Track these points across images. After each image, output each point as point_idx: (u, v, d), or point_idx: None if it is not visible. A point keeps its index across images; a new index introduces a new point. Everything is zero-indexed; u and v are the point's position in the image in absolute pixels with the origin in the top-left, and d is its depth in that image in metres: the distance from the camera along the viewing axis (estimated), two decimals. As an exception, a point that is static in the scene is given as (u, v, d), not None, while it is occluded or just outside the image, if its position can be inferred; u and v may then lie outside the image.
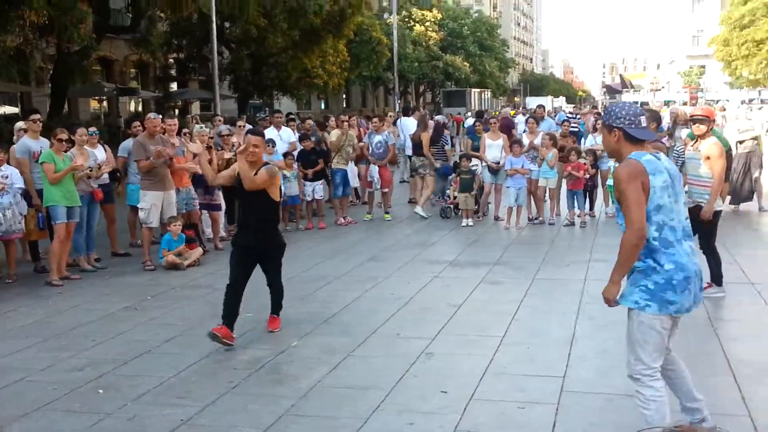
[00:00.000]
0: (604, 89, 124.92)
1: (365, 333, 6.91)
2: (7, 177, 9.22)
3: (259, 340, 6.88)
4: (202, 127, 12.33)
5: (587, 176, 12.70)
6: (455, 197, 13.40)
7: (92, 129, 10.92)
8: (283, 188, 12.36)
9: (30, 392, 5.70)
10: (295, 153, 13.20)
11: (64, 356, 6.51)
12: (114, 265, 10.38)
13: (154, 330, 7.27)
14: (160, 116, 10.74)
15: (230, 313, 6.73)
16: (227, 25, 29.35)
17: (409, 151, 16.56)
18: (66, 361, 6.39)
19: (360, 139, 14.77)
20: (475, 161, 13.58)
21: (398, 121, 18.34)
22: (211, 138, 11.92)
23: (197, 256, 10.18)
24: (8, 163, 9.50)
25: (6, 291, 8.99)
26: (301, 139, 13.60)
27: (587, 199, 13.02)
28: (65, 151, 9.44)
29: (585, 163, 12.66)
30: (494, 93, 67.03)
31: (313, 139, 13.52)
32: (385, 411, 5.16)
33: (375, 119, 14.98)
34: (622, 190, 3.94)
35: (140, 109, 33.79)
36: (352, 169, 13.49)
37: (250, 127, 11.61)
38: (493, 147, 13.35)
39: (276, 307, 7.23)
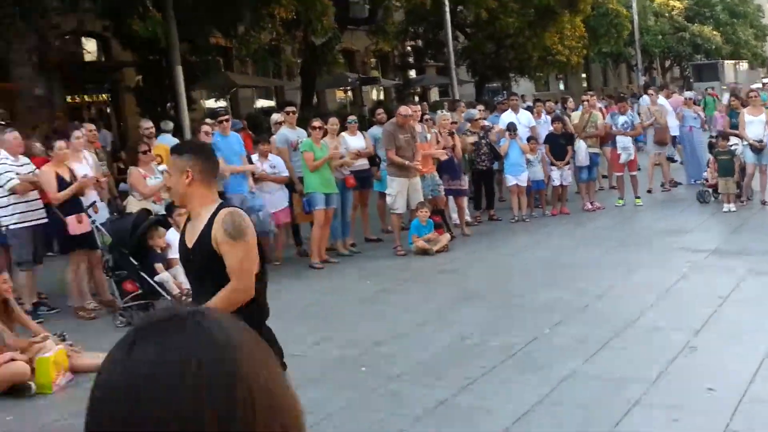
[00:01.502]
0: None
1: (621, 323, 6.68)
2: (274, 166, 9.97)
3: (511, 327, 6.89)
4: (443, 113, 12.53)
5: None
6: (715, 180, 12.39)
7: (352, 117, 11.49)
8: (527, 173, 12.24)
9: (298, 367, 6.08)
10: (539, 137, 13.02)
11: (328, 334, 6.94)
12: (367, 249, 10.84)
13: (409, 313, 7.54)
14: (410, 109, 10.95)
15: None
16: (459, 9, 29.56)
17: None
18: (330, 339, 6.82)
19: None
20: (734, 140, 12.56)
21: (640, 100, 17.44)
22: (454, 123, 12.09)
23: (446, 241, 10.38)
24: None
25: (273, 273, 9.68)
26: (552, 122, 13.33)
27: None
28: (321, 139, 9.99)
29: None
30: (751, 63, 61.63)
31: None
32: (646, 405, 4.97)
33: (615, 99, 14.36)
34: None
35: (381, 97, 35.04)
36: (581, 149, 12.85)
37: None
38: (755, 123, 12.26)
39: None
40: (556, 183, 12.79)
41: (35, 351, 5.92)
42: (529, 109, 14.77)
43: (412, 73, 36.51)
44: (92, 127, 9.90)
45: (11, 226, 7.90)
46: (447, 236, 10.53)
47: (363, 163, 10.96)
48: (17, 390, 5.78)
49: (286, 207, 10.16)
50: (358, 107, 30.25)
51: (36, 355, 5.87)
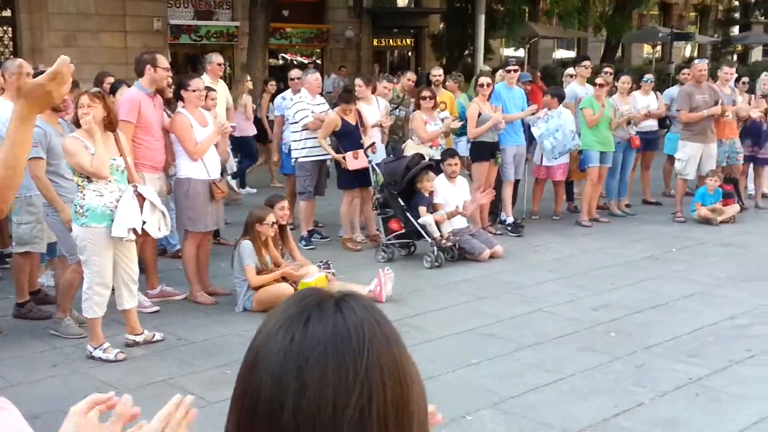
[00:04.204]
0: None
1: None
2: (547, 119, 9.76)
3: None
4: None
5: None
6: None
7: (648, 76, 10.95)
8: None
9: (545, 324, 6.02)
10: None
11: (582, 294, 6.71)
12: (643, 212, 10.30)
13: (674, 283, 7.04)
14: (706, 62, 10.15)
15: None
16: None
17: None
18: (583, 299, 6.59)
19: None
20: None
21: None
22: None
23: (733, 213, 9.51)
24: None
25: (540, 228, 9.54)
26: None
27: None
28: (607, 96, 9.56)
29: None
30: None
31: None
32: None
33: None
34: None
35: (695, 54, 32.62)
36: None
37: None
38: None
39: None
40: None
41: (300, 276, 6.38)
42: None
43: (735, 30, 33.43)
44: (412, 76, 10.47)
45: (300, 159, 8.57)
46: (736, 207, 9.62)
47: (651, 124, 10.55)
48: (281, 310, 6.28)
49: (565, 164, 9.93)
50: (665, 64, 28.49)
51: (300, 279, 6.32)
